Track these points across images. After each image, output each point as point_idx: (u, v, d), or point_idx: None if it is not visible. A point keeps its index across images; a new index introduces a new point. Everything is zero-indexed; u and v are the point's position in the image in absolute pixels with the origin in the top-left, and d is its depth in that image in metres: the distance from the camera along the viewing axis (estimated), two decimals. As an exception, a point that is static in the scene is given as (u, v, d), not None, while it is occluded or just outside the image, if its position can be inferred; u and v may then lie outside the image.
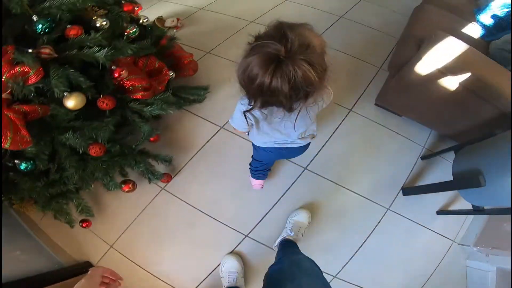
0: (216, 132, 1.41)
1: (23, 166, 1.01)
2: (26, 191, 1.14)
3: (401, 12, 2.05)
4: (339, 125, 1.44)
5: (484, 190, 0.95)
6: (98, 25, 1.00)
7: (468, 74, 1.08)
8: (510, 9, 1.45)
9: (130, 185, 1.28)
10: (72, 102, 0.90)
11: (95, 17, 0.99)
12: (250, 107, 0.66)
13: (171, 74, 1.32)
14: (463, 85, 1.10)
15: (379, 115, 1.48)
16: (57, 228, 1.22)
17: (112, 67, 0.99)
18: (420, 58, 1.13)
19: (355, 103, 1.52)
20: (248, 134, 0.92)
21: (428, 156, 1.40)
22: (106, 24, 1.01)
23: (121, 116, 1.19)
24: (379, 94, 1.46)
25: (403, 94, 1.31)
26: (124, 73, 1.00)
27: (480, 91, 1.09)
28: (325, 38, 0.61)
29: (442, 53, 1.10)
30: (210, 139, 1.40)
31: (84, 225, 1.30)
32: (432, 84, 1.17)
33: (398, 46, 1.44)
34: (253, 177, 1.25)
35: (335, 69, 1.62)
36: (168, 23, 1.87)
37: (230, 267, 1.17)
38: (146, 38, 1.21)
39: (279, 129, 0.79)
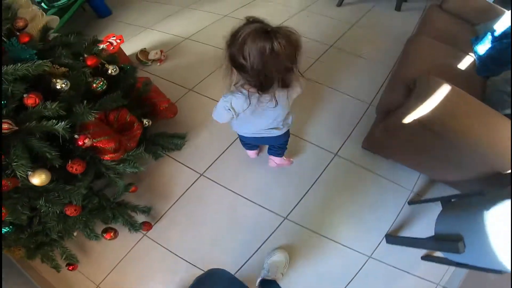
0: (196, 179, 1.39)
1: (3, 231, 1.02)
2: (12, 241, 1.16)
3: (396, 38, 1.94)
4: (322, 172, 1.38)
5: (465, 253, 0.91)
6: (58, 87, 0.96)
7: (459, 129, 1.00)
8: (510, 40, 1.32)
9: (112, 234, 1.28)
10: (37, 180, 0.89)
11: (54, 79, 0.94)
12: (243, 95, 0.77)
13: (146, 123, 1.29)
14: (454, 141, 1.01)
15: (365, 158, 1.41)
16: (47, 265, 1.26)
17: (75, 136, 0.96)
18: (410, 109, 1.04)
19: (341, 147, 1.45)
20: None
21: (416, 201, 1.35)
22: (66, 85, 0.97)
23: (96, 172, 1.17)
24: (367, 137, 1.39)
25: (391, 141, 1.24)
26: (88, 141, 0.97)
27: (471, 147, 1.01)
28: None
29: (434, 103, 1.00)
30: (190, 186, 1.38)
31: (70, 268, 1.32)
32: (421, 135, 1.09)
33: (387, 88, 1.34)
34: (245, 148, 1.35)
35: (321, 107, 1.57)
36: (151, 55, 1.82)
37: None
38: (116, 90, 1.17)
39: (261, 116, 0.88)
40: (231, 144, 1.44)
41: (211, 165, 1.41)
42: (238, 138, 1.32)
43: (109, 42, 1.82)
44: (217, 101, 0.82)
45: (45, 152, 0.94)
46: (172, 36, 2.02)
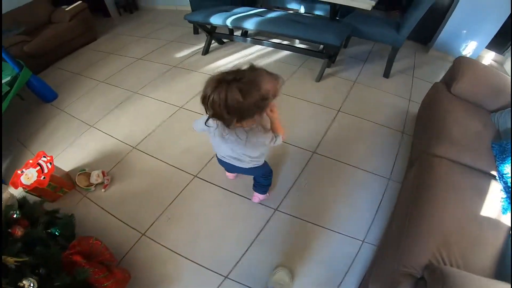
0: None
1: None
2: None
3: (390, 125, 1.73)
4: None
5: None
6: None
7: None
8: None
9: None
10: None
11: None
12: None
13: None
14: None
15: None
16: None
17: None
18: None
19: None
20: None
21: None
22: None
23: None
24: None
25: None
26: None
27: None
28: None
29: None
30: None
31: None
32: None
33: (384, 265, 1.06)
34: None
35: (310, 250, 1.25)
36: (93, 178, 1.53)
37: None
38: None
39: (226, 143, 1.00)
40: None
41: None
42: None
43: (39, 165, 1.52)
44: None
45: None
46: (117, 143, 1.74)
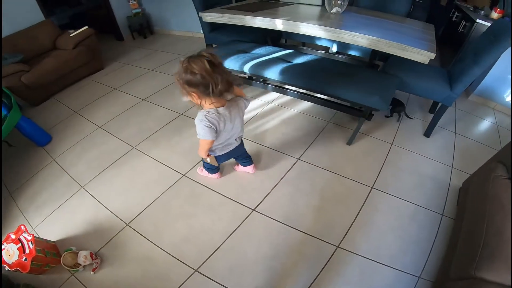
0: None
1: None
2: None
3: (432, 206, 1.51)
4: None
5: None
6: None
7: None
8: None
9: None
10: None
11: None
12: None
13: None
14: None
15: None
16: None
17: None
18: None
19: None
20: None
21: None
22: None
23: None
24: None
25: None
26: None
27: None
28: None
29: None
30: None
31: None
32: None
33: None
34: (213, 173, 1.76)
35: None
36: (81, 259, 1.45)
37: None
38: None
39: (234, 125, 1.30)
40: None
41: None
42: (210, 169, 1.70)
43: (20, 242, 1.47)
44: None
45: None
46: (109, 215, 1.66)
